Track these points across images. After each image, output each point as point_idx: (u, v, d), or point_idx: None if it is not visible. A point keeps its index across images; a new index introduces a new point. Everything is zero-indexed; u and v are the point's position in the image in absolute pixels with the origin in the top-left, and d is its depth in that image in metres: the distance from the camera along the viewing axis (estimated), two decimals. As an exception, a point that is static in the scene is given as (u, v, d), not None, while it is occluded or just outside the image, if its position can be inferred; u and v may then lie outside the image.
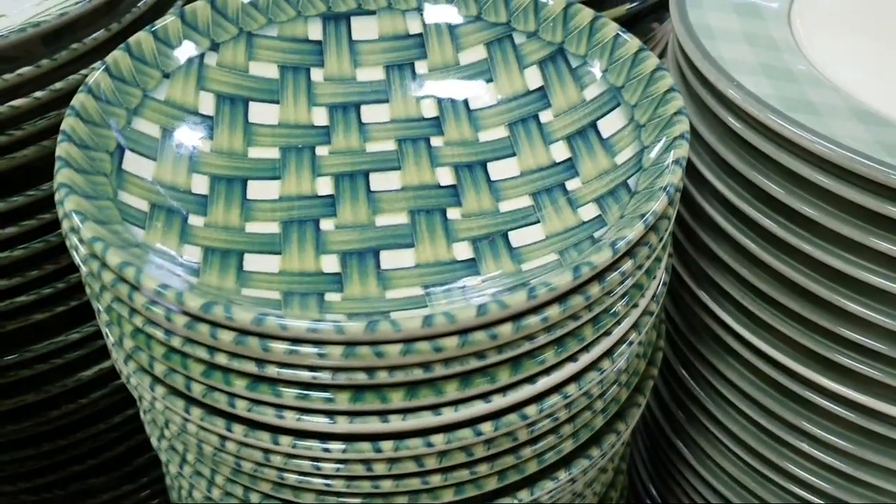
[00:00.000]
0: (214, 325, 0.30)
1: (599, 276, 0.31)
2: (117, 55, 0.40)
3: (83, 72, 0.45)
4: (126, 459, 0.59)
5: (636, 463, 0.59)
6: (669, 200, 0.33)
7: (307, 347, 0.29)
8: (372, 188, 0.41)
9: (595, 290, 0.31)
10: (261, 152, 0.42)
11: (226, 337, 0.29)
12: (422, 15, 0.46)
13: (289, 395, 0.31)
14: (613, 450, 0.39)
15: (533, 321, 0.30)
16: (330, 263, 0.37)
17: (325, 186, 0.41)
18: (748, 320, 0.42)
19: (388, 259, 0.37)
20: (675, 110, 0.37)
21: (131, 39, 0.41)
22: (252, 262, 0.36)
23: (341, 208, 0.40)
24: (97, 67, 0.40)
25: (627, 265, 0.32)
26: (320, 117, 0.44)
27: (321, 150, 0.42)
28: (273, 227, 0.38)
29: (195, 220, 0.37)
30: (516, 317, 0.30)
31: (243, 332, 0.29)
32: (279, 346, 0.29)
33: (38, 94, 0.43)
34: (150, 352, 0.33)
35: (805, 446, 0.43)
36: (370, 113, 0.44)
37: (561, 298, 0.30)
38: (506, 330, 0.30)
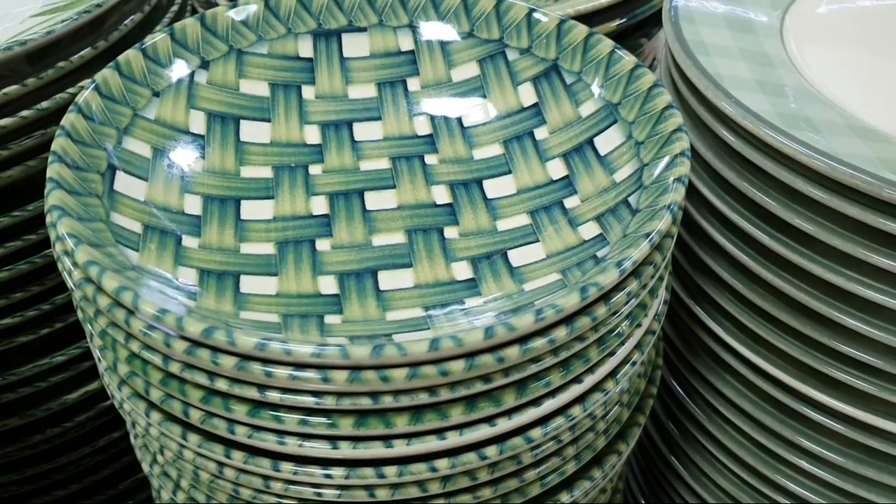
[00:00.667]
0: (216, 350, 0.29)
1: (605, 296, 0.31)
2: (107, 74, 0.39)
3: (70, 90, 0.44)
4: (111, 483, 0.58)
5: (629, 479, 0.59)
6: (673, 219, 0.33)
7: (311, 372, 0.29)
8: (367, 207, 0.40)
9: (601, 310, 0.30)
10: (253, 171, 0.41)
11: (227, 362, 0.29)
12: (413, 32, 0.46)
13: (291, 420, 0.30)
14: (614, 470, 0.38)
15: (540, 343, 0.29)
16: (328, 285, 0.36)
17: (319, 206, 0.40)
18: (744, 336, 0.42)
19: (387, 280, 0.37)
20: (674, 127, 0.37)
21: (120, 58, 0.40)
22: (249, 284, 0.36)
23: (337, 228, 0.39)
24: (86, 86, 0.39)
25: (633, 285, 0.31)
26: (312, 135, 0.43)
27: (314, 169, 0.42)
28: (268, 248, 0.38)
29: (189, 242, 0.37)
30: (523, 339, 0.29)
31: (245, 357, 0.29)
32: (282, 372, 0.29)
33: (25, 112, 0.43)
34: (146, 377, 0.32)
35: (803, 462, 0.42)
36: (363, 131, 0.44)
37: (568, 320, 0.30)
38: (513, 353, 0.29)
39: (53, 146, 0.36)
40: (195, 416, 0.31)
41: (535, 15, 0.44)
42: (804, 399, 0.41)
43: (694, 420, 0.48)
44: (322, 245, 0.38)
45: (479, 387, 0.30)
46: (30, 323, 0.49)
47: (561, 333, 0.30)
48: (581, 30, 0.43)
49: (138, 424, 0.35)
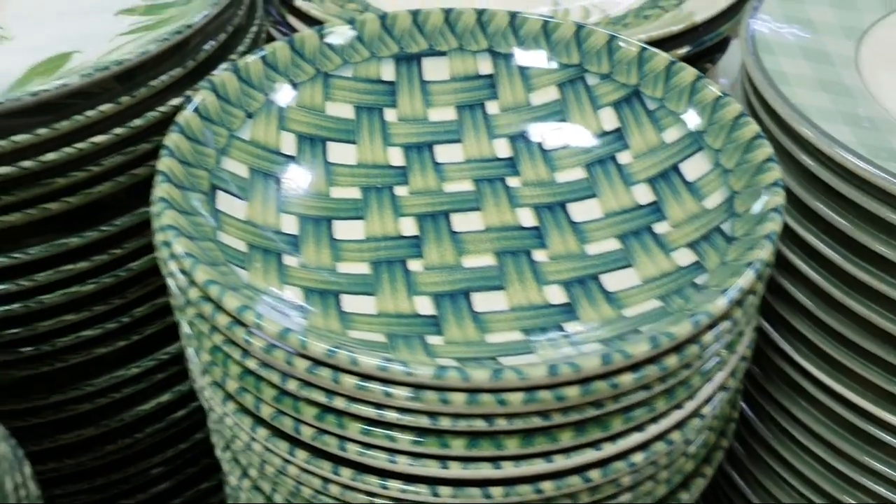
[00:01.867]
0: (337, 369, 0.30)
1: (712, 324, 0.31)
2: (205, 96, 0.40)
3: (160, 109, 0.45)
4: (175, 493, 0.59)
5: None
6: (773, 248, 0.33)
7: (430, 393, 0.29)
8: (454, 229, 0.41)
9: (708, 338, 0.31)
10: (343, 192, 0.42)
11: (348, 382, 0.30)
12: (492, 56, 0.47)
13: (403, 440, 0.31)
14: (699, 493, 0.39)
15: (652, 371, 0.30)
16: (424, 305, 0.37)
17: (408, 227, 0.41)
18: (823, 362, 0.43)
19: (481, 301, 0.37)
20: (764, 157, 0.37)
21: (216, 79, 0.41)
22: (350, 303, 0.36)
23: (427, 249, 0.40)
24: (185, 107, 0.40)
25: (738, 314, 0.32)
26: (396, 157, 0.44)
27: (400, 190, 0.42)
28: (364, 268, 0.38)
29: (289, 261, 0.38)
30: (636, 366, 0.30)
31: (364, 376, 0.30)
32: (401, 392, 0.29)
33: (118, 130, 0.43)
34: (258, 394, 0.33)
35: (881, 489, 0.43)
36: (444, 153, 0.44)
37: (678, 348, 0.31)
38: (626, 380, 0.30)
39: (160, 166, 0.37)
40: (307, 433, 0.32)
41: (617, 42, 0.45)
42: (884, 425, 0.41)
43: (762, 441, 0.48)
44: (414, 265, 0.39)
45: (591, 412, 0.30)
46: (109, 335, 0.49)
47: (672, 361, 0.30)
48: (662, 58, 0.44)
49: (239, 439, 0.36)
